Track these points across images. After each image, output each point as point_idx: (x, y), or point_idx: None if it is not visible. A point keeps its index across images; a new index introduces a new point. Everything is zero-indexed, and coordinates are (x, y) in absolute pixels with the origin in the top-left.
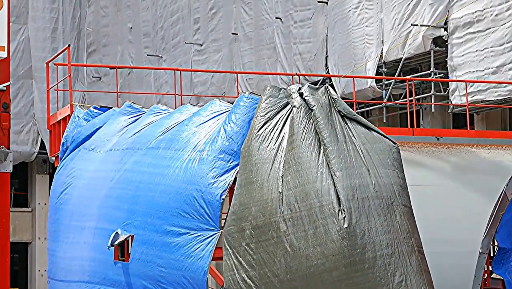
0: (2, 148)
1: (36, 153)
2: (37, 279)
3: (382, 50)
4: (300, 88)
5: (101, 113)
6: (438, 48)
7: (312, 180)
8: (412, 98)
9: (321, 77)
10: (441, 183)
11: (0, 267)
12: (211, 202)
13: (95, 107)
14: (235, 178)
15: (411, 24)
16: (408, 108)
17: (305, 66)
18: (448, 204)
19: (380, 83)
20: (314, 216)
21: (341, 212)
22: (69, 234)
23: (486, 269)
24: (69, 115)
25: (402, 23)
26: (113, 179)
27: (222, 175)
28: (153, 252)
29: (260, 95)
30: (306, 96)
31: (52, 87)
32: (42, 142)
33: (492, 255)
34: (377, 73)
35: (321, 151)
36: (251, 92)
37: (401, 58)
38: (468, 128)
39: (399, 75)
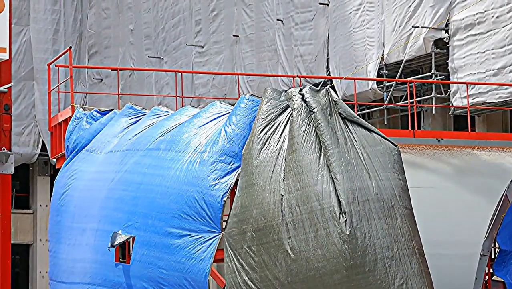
0: (4, 149)
1: (38, 155)
2: (38, 281)
3: (383, 52)
4: (301, 90)
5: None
6: (439, 50)
7: (313, 183)
8: (413, 100)
9: (322, 79)
10: (442, 185)
11: (1, 268)
12: (212, 204)
13: (96, 111)
14: (237, 180)
15: (412, 26)
16: (409, 110)
17: (306, 68)
18: (449, 206)
19: (381, 85)
20: (315, 219)
21: (342, 215)
22: (71, 236)
23: (487, 271)
24: (70, 117)
25: (403, 25)
26: (114, 180)
27: (223, 177)
28: (154, 254)
29: (260, 97)
30: (307, 98)
31: (53, 89)
32: (43, 144)
33: (493, 257)
34: (378, 75)
35: (322, 154)
36: (251, 94)
37: (402, 60)
38: (469, 131)
39: (400, 77)
